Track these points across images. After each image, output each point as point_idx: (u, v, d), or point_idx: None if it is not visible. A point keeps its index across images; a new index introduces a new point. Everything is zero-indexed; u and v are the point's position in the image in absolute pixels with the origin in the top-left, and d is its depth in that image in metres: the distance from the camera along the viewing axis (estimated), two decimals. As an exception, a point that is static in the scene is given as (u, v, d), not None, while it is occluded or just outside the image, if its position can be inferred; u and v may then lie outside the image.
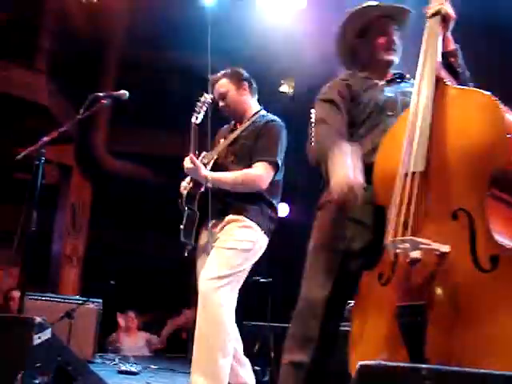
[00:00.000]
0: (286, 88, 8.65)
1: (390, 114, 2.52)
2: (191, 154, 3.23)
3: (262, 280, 5.84)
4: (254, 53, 7.18)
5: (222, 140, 3.51)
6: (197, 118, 3.37)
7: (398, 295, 2.01)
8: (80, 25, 6.95)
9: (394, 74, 2.68)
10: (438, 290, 1.94)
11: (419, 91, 2.23)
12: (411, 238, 2.00)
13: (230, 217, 3.22)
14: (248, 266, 3.24)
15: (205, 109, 3.40)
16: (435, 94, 2.18)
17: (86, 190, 9.38)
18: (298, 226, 9.93)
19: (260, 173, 3.23)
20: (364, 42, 2.69)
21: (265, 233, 3.29)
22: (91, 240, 9.35)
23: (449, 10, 2.39)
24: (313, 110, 3.00)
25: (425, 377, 1.37)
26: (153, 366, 5.58)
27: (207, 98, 3.43)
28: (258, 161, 3.24)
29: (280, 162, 3.30)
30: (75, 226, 8.96)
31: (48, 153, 3.25)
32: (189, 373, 3.16)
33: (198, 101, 3.42)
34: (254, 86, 3.59)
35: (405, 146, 2.14)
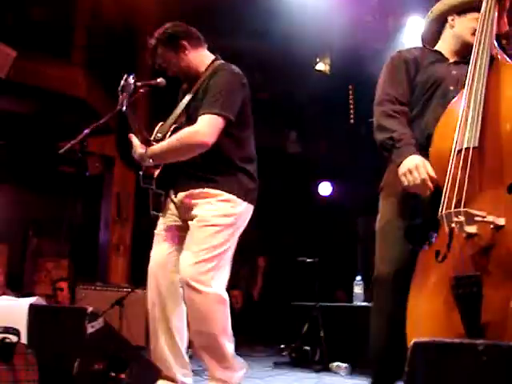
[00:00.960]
0: (322, 66, 8.54)
1: (451, 88, 2.59)
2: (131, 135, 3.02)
3: (308, 260, 5.83)
4: (289, 32, 7.11)
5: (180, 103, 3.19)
6: (122, 106, 2.91)
7: (454, 267, 2.04)
8: (114, 17, 6.98)
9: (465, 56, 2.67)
10: (493, 262, 1.95)
11: (474, 68, 2.28)
12: (466, 209, 2.05)
13: (205, 190, 2.94)
14: (234, 242, 2.99)
15: (130, 91, 2.93)
16: (489, 72, 2.24)
17: (130, 179, 9.47)
18: (342, 204, 9.92)
19: (197, 128, 2.85)
20: (460, 22, 2.71)
21: (247, 202, 3.02)
22: (137, 228, 9.46)
23: None
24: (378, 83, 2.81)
25: (481, 352, 1.34)
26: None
27: (128, 81, 2.96)
28: (200, 115, 2.88)
29: (231, 114, 2.89)
30: (121, 215, 9.07)
31: (90, 145, 3.26)
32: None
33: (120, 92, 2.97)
34: (197, 36, 3.17)
35: (459, 124, 2.21)
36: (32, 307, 2.77)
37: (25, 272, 10.45)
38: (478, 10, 2.50)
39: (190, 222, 2.96)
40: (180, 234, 3.07)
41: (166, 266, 3.08)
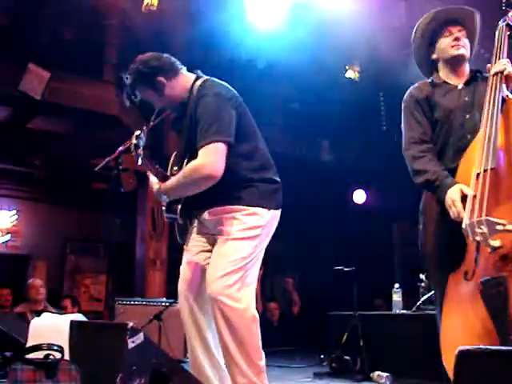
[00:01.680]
0: (351, 73, 8.52)
1: (467, 117, 2.81)
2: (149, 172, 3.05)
3: (345, 269, 5.79)
4: (318, 40, 7.12)
5: None
6: (138, 159, 2.96)
7: (481, 274, 2.25)
8: (144, 33, 7.07)
9: (471, 72, 2.98)
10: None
11: (488, 109, 2.63)
12: (487, 218, 2.28)
13: (228, 207, 2.90)
14: (260, 252, 2.96)
15: (141, 146, 2.94)
16: (502, 109, 2.63)
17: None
18: (377, 211, 9.85)
19: (201, 161, 2.79)
20: (433, 48, 3.02)
21: (273, 209, 2.97)
22: (173, 242, 9.52)
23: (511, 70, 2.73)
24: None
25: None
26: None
27: (138, 135, 2.96)
28: (199, 148, 2.81)
29: (228, 136, 2.81)
30: (156, 229, 9.14)
31: (124, 161, 3.30)
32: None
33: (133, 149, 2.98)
34: (171, 65, 3.04)
35: (477, 155, 2.52)
36: (73, 323, 2.80)
37: (63, 288, 10.60)
38: (448, 23, 2.90)
39: (216, 237, 2.95)
40: (207, 253, 3.06)
41: (194, 280, 3.07)
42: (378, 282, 7.45)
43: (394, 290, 5.53)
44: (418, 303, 5.33)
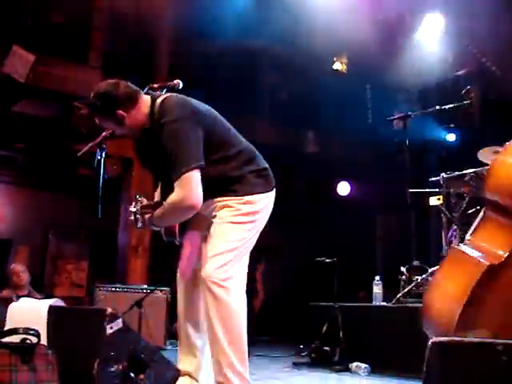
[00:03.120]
0: (338, 65, 8.52)
1: None
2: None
3: (327, 260, 5.81)
4: (306, 32, 7.11)
5: None
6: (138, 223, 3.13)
7: None
8: (131, 19, 7.02)
9: None
10: None
11: None
12: None
13: (223, 198, 2.99)
14: (253, 237, 3.06)
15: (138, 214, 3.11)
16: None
17: (148, 181, 9.50)
18: (360, 203, 9.88)
19: (178, 194, 2.83)
20: None
21: (266, 191, 3.07)
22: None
23: None
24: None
25: (501, 352, 1.33)
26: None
27: (137, 206, 3.13)
28: (174, 180, 2.83)
29: (198, 160, 2.83)
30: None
31: (108, 147, 3.27)
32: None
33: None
34: (129, 94, 2.98)
35: None
36: (52, 308, 2.80)
37: (45, 274, 10.55)
38: None
39: (211, 221, 3.01)
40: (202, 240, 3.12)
41: (191, 260, 3.17)
42: (361, 273, 7.49)
43: (375, 282, 5.56)
44: (398, 296, 5.36)
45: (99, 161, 3.20)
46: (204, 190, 2.85)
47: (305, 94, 8.99)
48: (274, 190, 3.15)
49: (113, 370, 2.58)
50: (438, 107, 5.62)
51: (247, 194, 3.00)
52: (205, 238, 3.04)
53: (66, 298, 6.38)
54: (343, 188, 10.23)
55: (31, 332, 2.27)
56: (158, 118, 2.92)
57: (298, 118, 9.16)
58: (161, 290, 6.16)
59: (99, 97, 2.96)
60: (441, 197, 5.66)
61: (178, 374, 3.03)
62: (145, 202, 3.14)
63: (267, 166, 3.15)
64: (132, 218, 3.12)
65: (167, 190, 2.95)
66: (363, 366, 4.86)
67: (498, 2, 6.45)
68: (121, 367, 2.62)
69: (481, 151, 5.57)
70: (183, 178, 2.79)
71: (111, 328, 2.63)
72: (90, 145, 3.23)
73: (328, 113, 9.03)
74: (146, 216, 3.08)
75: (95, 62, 7.89)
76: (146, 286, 6.45)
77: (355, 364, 4.91)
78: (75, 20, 7.47)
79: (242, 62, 7.96)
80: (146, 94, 3.07)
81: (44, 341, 2.46)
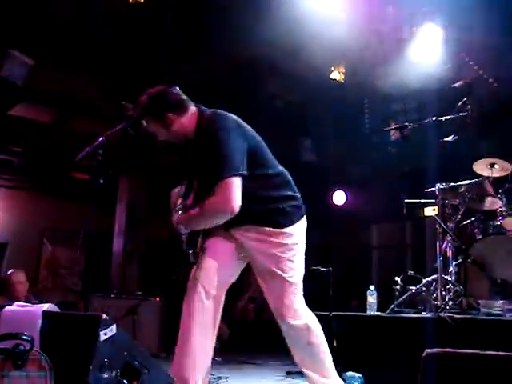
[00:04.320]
0: (336, 75, 8.55)
1: None
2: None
3: (322, 269, 5.81)
4: (304, 41, 7.13)
5: None
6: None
7: None
8: (127, 22, 7.03)
9: None
10: None
11: None
12: None
13: (261, 228, 3.06)
14: (301, 261, 3.18)
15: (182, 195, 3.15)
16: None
17: (143, 187, 9.52)
18: (356, 212, 9.89)
19: (219, 197, 2.89)
20: None
21: (299, 220, 3.17)
22: (151, 235, 9.49)
23: None
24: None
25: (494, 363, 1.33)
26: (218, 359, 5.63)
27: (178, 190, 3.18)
28: (216, 183, 2.90)
29: (242, 169, 2.92)
30: (135, 222, 9.11)
31: (105, 152, 3.27)
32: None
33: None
34: (180, 101, 3.11)
35: None
36: (45, 314, 2.78)
37: (39, 278, 10.52)
38: None
39: (260, 261, 3.09)
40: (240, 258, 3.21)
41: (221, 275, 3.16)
42: (356, 283, 7.49)
43: (369, 291, 5.55)
44: (393, 306, 5.36)
45: (95, 166, 3.21)
46: (241, 206, 2.92)
47: (302, 103, 9.01)
48: (305, 222, 3.25)
49: (106, 376, 2.57)
50: (434, 118, 5.63)
51: (286, 226, 3.08)
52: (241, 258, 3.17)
53: (60, 303, 6.36)
54: (339, 197, 10.24)
55: (24, 338, 2.27)
56: (206, 128, 3.02)
57: (295, 127, 9.18)
58: (155, 297, 6.14)
59: (152, 98, 3.07)
60: (436, 207, 5.67)
61: (172, 381, 3.02)
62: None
63: (299, 196, 3.24)
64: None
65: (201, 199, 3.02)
66: (357, 375, 4.85)
67: (494, 14, 6.48)
68: (114, 374, 2.61)
69: (476, 163, 5.60)
70: (226, 182, 2.87)
71: (105, 334, 2.62)
72: (86, 150, 3.23)
73: (325, 122, 9.05)
74: (175, 217, 3.10)
75: (93, 66, 7.88)
76: (140, 293, 6.43)
77: (349, 373, 4.90)
78: (75, 24, 7.45)
79: (240, 71, 7.98)
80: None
81: (38, 346, 2.45)
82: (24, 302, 5.76)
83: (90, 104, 7.74)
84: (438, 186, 5.58)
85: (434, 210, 5.91)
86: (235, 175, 2.88)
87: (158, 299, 6.14)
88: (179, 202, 3.14)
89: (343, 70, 8.62)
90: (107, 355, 2.61)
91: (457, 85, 7.78)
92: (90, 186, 3.24)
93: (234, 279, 3.22)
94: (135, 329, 5.29)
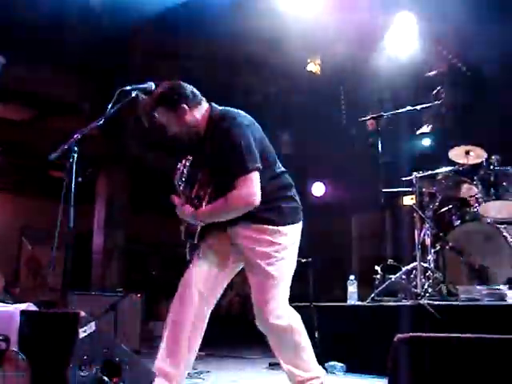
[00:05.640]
0: (312, 67, 8.56)
1: None
2: (174, 196, 3.15)
3: (302, 260, 5.82)
4: (280, 33, 7.13)
5: None
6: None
7: None
8: (104, 18, 6.97)
9: None
10: None
11: None
12: None
13: (255, 226, 3.08)
14: (292, 263, 3.20)
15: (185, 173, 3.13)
16: None
17: (122, 183, 9.47)
18: (335, 204, 9.94)
19: (242, 191, 2.97)
20: None
21: (295, 223, 3.19)
22: (131, 232, 9.46)
23: None
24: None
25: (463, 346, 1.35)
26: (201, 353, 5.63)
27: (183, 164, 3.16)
28: (235, 178, 2.97)
29: (258, 163, 3.00)
30: (114, 218, 9.07)
31: (82, 149, 3.25)
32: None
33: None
34: (194, 95, 3.16)
35: None
36: (23, 313, 2.77)
37: (19, 278, 10.44)
38: None
39: (251, 257, 3.10)
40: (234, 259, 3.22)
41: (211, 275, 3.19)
42: (336, 273, 7.53)
43: (349, 281, 5.59)
44: (373, 294, 5.40)
45: (72, 163, 3.19)
46: None
47: (279, 96, 9.02)
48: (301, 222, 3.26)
49: (86, 373, 2.56)
50: (409, 107, 5.67)
51: (282, 225, 3.10)
52: (234, 257, 3.18)
53: (40, 303, 6.32)
54: (318, 189, 10.28)
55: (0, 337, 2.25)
56: (219, 124, 3.08)
57: (272, 120, 9.18)
58: (136, 294, 6.12)
59: (168, 87, 3.14)
60: (414, 196, 5.72)
61: (153, 377, 3.02)
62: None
63: (298, 199, 3.26)
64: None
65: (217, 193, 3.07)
66: (339, 365, 4.88)
67: (468, 2, 6.52)
68: (94, 371, 2.61)
69: (452, 151, 5.65)
70: (248, 177, 2.95)
71: (84, 331, 2.61)
72: (62, 147, 3.21)
73: (302, 114, 9.06)
74: (188, 209, 3.09)
75: (69, 63, 7.80)
76: (121, 290, 6.40)
77: (331, 363, 4.93)
78: (49, 19, 7.36)
79: (216, 63, 7.96)
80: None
81: (15, 346, 2.44)
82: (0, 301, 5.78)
83: (65, 102, 7.67)
84: (415, 174, 5.63)
85: (412, 198, 5.96)
86: (255, 169, 2.97)
87: (138, 296, 6.12)
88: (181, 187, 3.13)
89: (319, 62, 8.64)
90: (87, 352, 2.60)
91: (431, 74, 7.84)
92: (68, 184, 3.22)
93: (227, 282, 3.25)
94: (116, 325, 5.27)
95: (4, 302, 5.09)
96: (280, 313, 3.05)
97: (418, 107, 5.64)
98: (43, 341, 2.67)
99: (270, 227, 3.07)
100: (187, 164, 3.12)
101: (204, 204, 3.11)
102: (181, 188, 3.12)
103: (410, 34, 7.70)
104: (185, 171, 3.12)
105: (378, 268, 5.82)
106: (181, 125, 3.14)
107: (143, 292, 6.11)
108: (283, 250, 3.09)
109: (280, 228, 3.09)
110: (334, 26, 7.17)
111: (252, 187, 2.96)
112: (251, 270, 3.12)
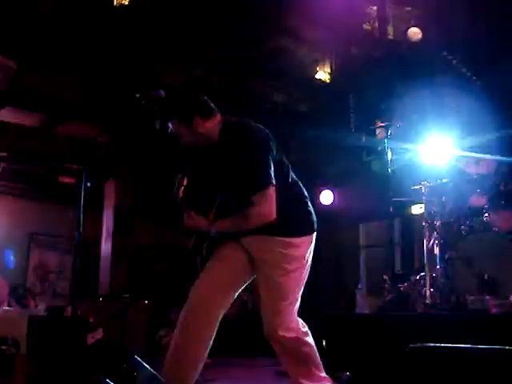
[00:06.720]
0: (322, 75, 8.56)
1: None
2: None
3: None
4: (289, 40, 7.15)
5: None
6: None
7: None
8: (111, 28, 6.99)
9: None
10: None
11: None
12: None
13: (267, 237, 3.07)
14: (304, 274, 3.18)
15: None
16: None
17: (131, 190, 9.48)
18: (344, 212, 9.90)
19: (260, 208, 2.96)
20: None
21: (309, 234, 3.18)
22: (138, 239, 9.46)
23: None
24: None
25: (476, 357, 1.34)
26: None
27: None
28: (251, 193, 2.96)
29: (273, 179, 2.98)
30: (122, 226, 9.07)
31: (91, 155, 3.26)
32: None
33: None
34: (208, 107, 3.15)
35: None
36: (32, 318, 2.77)
37: (27, 283, 10.46)
38: None
39: (263, 269, 3.10)
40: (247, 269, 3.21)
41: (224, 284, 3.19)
42: (345, 282, 7.50)
43: (358, 290, 5.58)
44: (381, 304, 5.38)
45: (82, 169, 3.20)
46: None
47: (287, 103, 9.02)
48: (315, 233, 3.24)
49: (93, 379, 2.56)
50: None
51: (294, 236, 3.10)
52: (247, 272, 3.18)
53: (47, 308, 6.33)
54: (326, 197, 10.25)
55: (9, 342, 2.25)
56: (234, 136, 3.07)
57: (281, 128, 9.17)
58: (143, 300, 6.13)
59: (181, 99, 3.16)
60: (423, 205, 5.70)
61: (160, 382, 3.01)
62: None
63: (312, 210, 3.26)
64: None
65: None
66: (346, 374, 4.86)
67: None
68: (101, 376, 2.60)
69: (462, 160, 5.63)
70: (267, 193, 2.94)
71: (92, 337, 2.61)
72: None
73: (310, 121, 9.06)
74: (202, 219, 3.10)
75: (77, 68, 7.82)
76: (128, 296, 6.40)
77: (338, 373, 4.91)
78: (59, 24, 7.39)
79: (230, 70, 7.96)
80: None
81: (24, 351, 2.44)
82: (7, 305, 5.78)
83: (75, 108, 7.69)
84: (425, 183, 5.62)
85: (421, 207, 5.94)
86: (270, 185, 2.95)
87: (145, 302, 6.12)
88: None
89: (328, 70, 8.64)
90: (94, 358, 2.60)
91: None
92: (77, 190, 3.22)
93: (239, 289, 3.23)
94: (123, 332, 5.27)
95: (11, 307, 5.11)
96: (289, 325, 3.05)
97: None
98: (52, 346, 2.67)
99: (282, 238, 3.06)
100: (187, 179, 3.14)
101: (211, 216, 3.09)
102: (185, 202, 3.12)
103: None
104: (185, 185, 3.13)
105: (386, 277, 5.80)
106: (192, 137, 3.12)
107: (151, 298, 6.11)
108: (295, 261, 3.08)
109: (292, 239, 3.08)
110: (345, 33, 7.17)
111: (271, 204, 2.95)
112: (261, 281, 3.11)
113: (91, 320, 2.59)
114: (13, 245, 10.31)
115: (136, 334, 5.64)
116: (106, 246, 9.12)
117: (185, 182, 3.13)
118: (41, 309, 5.56)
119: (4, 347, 2.25)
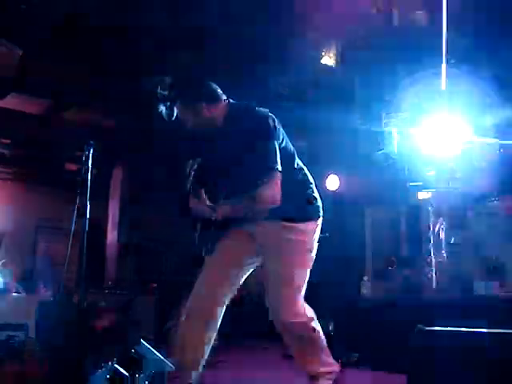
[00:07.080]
0: (327, 60, 8.51)
1: None
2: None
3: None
4: (294, 25, 7.10)
5: None
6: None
7: None
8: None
9: None
10: None
11: None
12: None
13: (272, 222, 3.08)
14: (309, 260, 3.19)
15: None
16: None
17: (137, 178, 9.49)
18: (350, 197, 9.89)
19: (267, 192, 2.97)
20: None
21: (314, 219, 3.19)
22: (146, 227, 9.48)
23: None
24: None
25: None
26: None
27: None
28: (257, 179, 2.97)
29: (279, 163, 2.99)
30: (129, 214, 9.10)
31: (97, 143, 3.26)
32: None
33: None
34: (215, 94, 3.17)
35: None
36: (41, 303, 2.79)
37: (35, 271, 10.50)
38: None
39: (269, 254, 3.12)
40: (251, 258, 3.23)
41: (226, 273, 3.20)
42: (351, 266, 7.50)
43: (363, 282, 5.57)
44: (388, 288, 5.39)
45: (87, 156, 3.20)
46: None
47: (292, 88, 8.98)
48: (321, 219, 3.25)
49: (102, 365, 2.58)
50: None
51: (302, 222, 3.11)
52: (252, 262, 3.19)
53: (56, 295, 6.35)
54: (332, 182, 10.22)
55: (19, 328, 2.27)
56: (240, 121, 3.08)
57: (285, 113, 9.13)
58: (150, 290, 6.16)
59: (188, 86, 3.22)
60: (430, 191, 5.70)
61: (169, 368, 3.03)
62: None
63: (317, 196, 3.27)
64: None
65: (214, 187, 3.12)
66: (353, 355, 4.88)
67: None
68: (110, 362, 2.62)
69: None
70: (274, 178, 2.95)
71: (101, 324, 2.63)
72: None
73: (315, 107, 9.02)
74: (206, 206, 3.09)
75: (83, 55, 7.80)
76: (135, 286, 6.44)
77: (345, 355, 4.93)
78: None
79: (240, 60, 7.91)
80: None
81: (33, 335, 2.46)
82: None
83: (81, 95, 7.68)
84: (433, 169, 5.61)
85: (428, 193, 5.94)
86: (276, 170, 2.97)
87: (152, 292, 6.15)
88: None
89: (334, 55, 8.58)
90: (103, 343, 2.62)
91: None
92: (83, 177, 3.22)
93: (241, 281, 3.24)
94: (130, 321, 5.30)
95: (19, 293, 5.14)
96: (296, 311, 3.07)
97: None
98: (61, 330, 2.69)
99: (287, 224, 3.07)
100: (196, 166, 3.14)
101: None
102: (194, 188, 3.12)
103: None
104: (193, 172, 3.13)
105: (393, 258, 5.81)
106: (198, 122, 3.13)
107: (157, 288, 6.13)
108: (300, 246, 3.10)
109: (297, 225, 3.10)
110: (350, 18, 7.11)
111: (278, 188, 2.95)
112: (267, 267, 3.13)
113: (101, 306, 2.60)
114: (20, 231, 10.36)
115: (143, 324, 5.66)
116: (111, 235, 9.14)
117: (194, 168, 3.13)
118: (48, 295, 5.58)
119: (14, 333, 2.27)
